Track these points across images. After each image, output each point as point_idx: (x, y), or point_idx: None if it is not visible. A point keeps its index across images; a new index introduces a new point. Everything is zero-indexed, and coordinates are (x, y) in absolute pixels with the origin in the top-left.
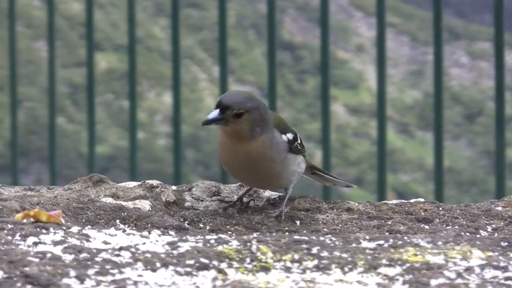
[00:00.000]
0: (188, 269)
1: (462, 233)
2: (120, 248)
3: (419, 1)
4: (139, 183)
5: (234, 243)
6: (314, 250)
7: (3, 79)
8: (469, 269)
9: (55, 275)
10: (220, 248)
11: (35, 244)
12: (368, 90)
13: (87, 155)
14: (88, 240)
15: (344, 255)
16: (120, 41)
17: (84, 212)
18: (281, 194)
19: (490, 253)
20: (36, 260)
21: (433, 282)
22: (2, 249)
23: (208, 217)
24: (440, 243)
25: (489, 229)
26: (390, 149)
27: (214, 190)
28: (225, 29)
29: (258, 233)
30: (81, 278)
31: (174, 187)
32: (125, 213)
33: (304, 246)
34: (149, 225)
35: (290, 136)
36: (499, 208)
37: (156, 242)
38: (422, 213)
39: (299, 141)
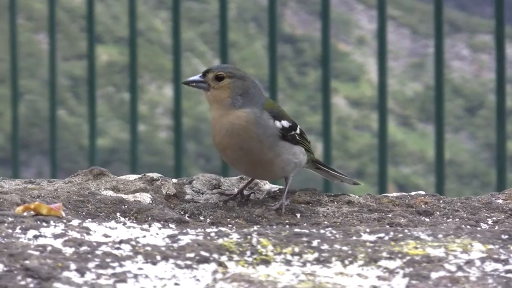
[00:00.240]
0: (189, 262)
1: (463, 226)
2: (121, 241)
3: None
4: (140, 176)
5: (235, 236)
6: (315, 243)
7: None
8: (469, 262)
9: (55, 268)
10: (220, 241)
11: (36, 237)
12: (369, 82)
13: (88, 148)
14: (88, 233)
15: (345, 248)
16: (121, 33)
17: (84, 205)
18: (281, 187)
19: (491, 246)
20: (37, 253)
21: (434, 275)
22: (2, 242)
23: (209, 210)
24: (440, 236)
25: (490, 222)
26: (391, 142)
27: (215, 183)
28: (226, 22)
29: (258, 226)
30: (81, 271)
31: (174, 180)
32: (126, 206)
33: (305, 239)
34: (150, 218)
35: (285, 123)
36: (500, 201)
37: (156, 235)
38: (423, 206)
39: (298, 132)
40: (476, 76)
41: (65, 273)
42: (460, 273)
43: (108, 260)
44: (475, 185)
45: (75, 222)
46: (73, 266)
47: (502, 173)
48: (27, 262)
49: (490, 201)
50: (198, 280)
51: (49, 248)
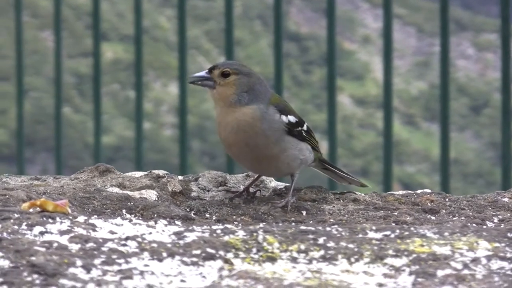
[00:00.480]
0: (195, 259)
1: (469, 224)
2: (127, 238)
3: None
4: (146, 173)
5: (241, 233)
6: (321, 240)
7: (10, 69)
8: (475, 260)
9: (61, 265)
10: (226, 238)
11: (42, 233)
12: (374, 81)
13: (93, 145)
14: (94, 230)
15: (351, 245)
16: (126, 31)
17: (90, 201)
18: (287, 184)
19: (497, 244)
20: (43, 249)
21: (440, 273)
22: (8, 238)
23: (215, 207)
24: (446, 234)
25: (496, 220)
26: (396, 140)
27: (221, 180)
28: (231, 20)
29: (264, 223)
30: (87, 268)
31: (180, 177)
32: (132, 203)
33: (311, 236)
34: (156, 215)
35: (292, 118)
36: (506, 199)
37: (162, 232)
38: (429, 204)
39: (305, 128)
40: (481, 75)
41: (71, 270)
42: (466, 271)
43: (114, 256)
44: (480, 184)
45: (81, 218)
46: (79, 262)
47: (507, 172)
48: (33, 258)
49: (496, 200)
50: (204, 277)
51: (55, 245)
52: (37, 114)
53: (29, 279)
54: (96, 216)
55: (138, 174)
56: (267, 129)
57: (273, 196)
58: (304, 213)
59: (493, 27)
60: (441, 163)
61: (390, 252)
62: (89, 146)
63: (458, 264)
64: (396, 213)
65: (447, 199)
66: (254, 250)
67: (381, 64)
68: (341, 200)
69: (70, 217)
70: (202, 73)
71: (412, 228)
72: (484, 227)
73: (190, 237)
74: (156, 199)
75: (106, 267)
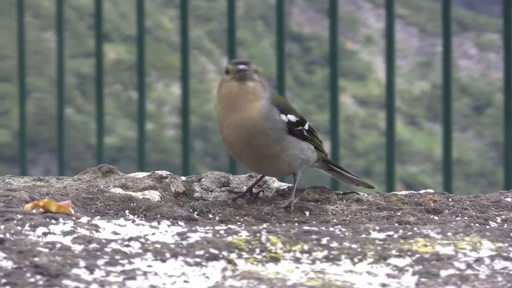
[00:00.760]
0: (198, 260)
1: (472, 224)
2: (130, 239)
3: None
4: (149, 173)
5: (244, 234)
6: (324, 240)
7: (12, 70)
8: (479, 260)
9: (64, 266)
10: (229, 238)
11: (45, 234)
12: (376, 81)
13: (95, 146)
14: (97, 231)
15: (354, 245)
16: (128, 31)
17: (93, 202)
18: (290, 185)
19: (500, 244)
20: (46, 250)
21: (443, 273)
22: (11, 239)
23: (218, 208)
24: (449, 234)
25: (499, 220)
26: (398, 141)
27: (224, 180)
28: (233, 20)
29: (267, 223)
30: (90, 269)
31: (183, 178)
32: (135, 204)
33: (314, 236)
34: (159, 216)
35: (292, 117)
36: (509, 199)
37: (165, 232)
38: (432, 204)
39: (306, 128)
40: (483, 75)
41: (74, 270)
42: (469, 271)
43: (117, 257)
44: (483, 184)
45: (84, 219)
46: (82, 263)
47: (509, 172)
48: (36, 259)
49: (499, 200)
50: (207, 277)
51: (58, 245)
52: (40, 114)
53: (32, 280)
54: (99, 216)
55: (141, 174)
56: (269, 128)
57: (276, 196)
58: (307, 213)
59: (496, 27)
60: (444, 163)
61: (394, 252)
62: (92, 147)
63: (462, 264)
64: (399, 213)
65: (450, 199)
66: (257, 250)
67: (383, 64)
68: (344, 201)
69: (73, 218)
70: (246, 66)
71: (415, 228)
72: (487, 227)
73: (193, 237)
74: (159, 199)
75: (109, 268)
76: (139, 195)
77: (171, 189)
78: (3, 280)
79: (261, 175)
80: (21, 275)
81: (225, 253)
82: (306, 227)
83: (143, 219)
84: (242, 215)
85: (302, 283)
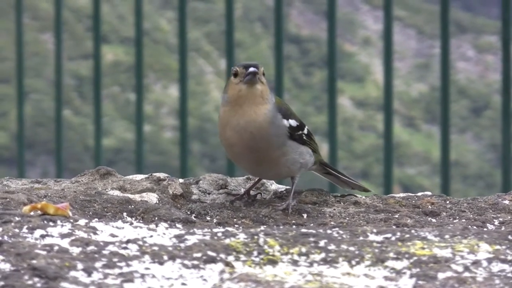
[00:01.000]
0: (195, 262)
1: (469, 226)
2: (128, 241)
3: None
4: (146, 176)
5: (241, 236)
6: (322, 243)
7: (10, 71)
8: (476, 263)
9: (62, 268)
10: (227, 241)
11: (43, 236)
12: (374, 83)
13: (93, 148)
14: (95, 233)
15: (352, 248)
16: (126, 33)
17: (91, 204)
18: (288, 187)
19: (498, 247)
20: (44, 252)
21: (440, 275)
22: (9, 241)
23: (215, 210)
24: (447, 236)
25: (496, 222)
26: (396, 143)
27: (221, 183)
28: (232, 22)
29: (265, 226)
30: (88, 271)
31: (181, 180)
32: (132, 206)
33: (312, 239)
34: (156, 218)
35: (293, 122)
36: (506, 202)
37: (163, 235)
38: (429, 207)
39: (305, 132)
40: (481, 77)
41: (72, 273)
42: (467, 274)
43: (115, 259)
44: (481, 185)
45: (82, 221)
46: (80, 265)
47: (507, 174)
48: (34, 261)
49: (496, 202)
50: (205, 280)
51: (56, 248)
52: (38, 116)
53: (30, 282)
54: (97, 219)
55: (138, 177)
56: (273, 134)
57: (274, 199)
58: (305, 216)
59: (494, 29)
60: (442, 165)
61: (391, 254)
62: (90, 149)
63: (459, 267)
64: (396, 216)
65: (447, 202)
66: (255, 253)
67: (382, 66)
68: (342, 203)
69: (71, 220)
70: (255, 69)
71: (413, 231)
72: (485, 229)
73: (191, 240)
74: (157, 202)
75: (107, 270)
76: (137, 197)
77: (169, 191)
78: (1, 283)
79: (258, 178)
80: (19, 278)
81: (222, 256)
82: (303, 230)
83: (141, 221)
84: (239, 218)
85: (300, 286)
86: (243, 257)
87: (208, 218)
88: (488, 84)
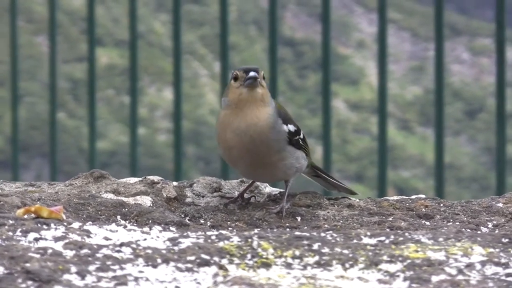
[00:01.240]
0: (189, 265)
1: (463, 229)
2: (121, 244)
3: None
4: (140, 179)
5: (235, 239)
6: (315, 246)
7: (4, 74)
8: (470, 266)
9: (56, 271)
10: (221, 244)
11: (36, 240)
12: (369, 86)
13: (87, 151)
14: (89, 236)
15: (345, 251)
16: (121, 36)
17: (85, 208)
18: (282, 190)
19: (491, 250)
20: (37, 256)
21: (434, 278)
22: (3, 244)
23: (209, 213)
24: (441, 239)
25: (490, 225)
26: (391, 145)
27: (215, 186)
28: (226, 25)
29: (259, 229)
30: (82, 274)
31: (175, 183)
32: (126, 209)
33: (305, 242)
34: (150, 221)
35: (291, 127)
36: (500, 205)
37: (157, 238)
38: (423, 210)
39: (301, 136)
40: (476, 79)
41: (66, 276)
42: (460, 277)
43: (108, 263)
44: (475, 188)
45: (76, 225)
46: (73, 269)
47: (501, 177)
48: (27, 264)
49: (490, 205)
50: (199, 283)
51: (49, 251)
52: (32, 119)
53: (23, 285)
54: (90, 222)
55: (132, 180)
56: (273, 139)
57: (267, 202)
58: (298, 218)
59: (488, 32)
60: (436, 168)
61: (385, 257)
62: (84, 152)
63: (453, 270)
64: (390, 219)
65: (441, 205)
66: (249, 256)
67: (376, 69)
68: (336, 206)
69: (65, 224)
70: (255, 73)
71: (406, 234)
72: (479, 232)
73: (185, 243)
74: (151, 205)
75: (101, 274)
76: (130, 200)
77: (162, 194)
78: None
79: (252, 181)
80: (13, 281)
81: (216, 259)
82: (297, 233)
83: (135, 224)
84: (233, 221)
85: None
86: (236, 260)
87: (202, 221)
88: (483, 87)
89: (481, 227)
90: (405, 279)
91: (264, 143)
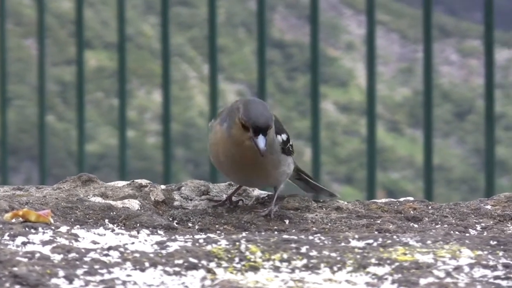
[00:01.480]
0: (177, 269)
1: (451, 232)
2: (109, 248)
3: None
4: (128, 182)
5: (223, 243)
6: (303, 249)
7: None
8: (458, 268)
9: (44, 275)
10: (209, 247)
11: (24, 244)
12: (358, 87)
13: (77, 154)
14: (77, 240)
15: (333, 254)
16: (110, 39)
17: (73, 211)
18: (270, 193)
19: (479, 252)
20: (25, 260)
21: (422, 281)
22: None
23: (197, 217)
24: (429, 242)
25: (478, 228)
26: (380, 147)
27: (203, 189)
28: (215, 27)
29: (247, 232)
30: (69, 278)
31: (163, 186)
32: (114, 213)
33: (293, 245)
34: (138, 225)
35: (284, 137)
36: (489, 207)
37: (145, 241)
38: (411, 212)
39: (291, 143)
40: (465, 81)
41: (54, 280)
42: (448, 279)
43: (96, 266)
44: (464, 190)
45: (64, 228)
46: (61, 273)
47: (490, 179)
48: (15, 269)
49: (478, 207)
50: (186, 286)
51: (37, 255)
52: (21, 122)
53: None
54: (78, 226)
55: (120, 183)
56: (270, 158)
57: (256, 205)
58: (287, 221)
59: (477, 33)
60: (425, 170)
61: (373, 260)
62: (73, 154)
63: (441, 272)
64: (379, 221)
65: (430, 207)
66: (237, 259)
67: (365, 71)
68: (324, 209)
69: (53, 227)
70: (265, 141)
71: (394, 237)
72: (467, 235)
73: (173, 246)
74: (139, 208)
75: (89, 278)
76: (118, 204)
77: (150, 197)
78: None
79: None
80: (0, 285)
81: (204, 262)
82: (285, 236)
83: (123, 228)
84: (221, 224)
85: None
86: (224, 264)
87: (190, 225)
88: (472, 88)
89: (470, 230)
90: (393, 282)
91: (262, 163)
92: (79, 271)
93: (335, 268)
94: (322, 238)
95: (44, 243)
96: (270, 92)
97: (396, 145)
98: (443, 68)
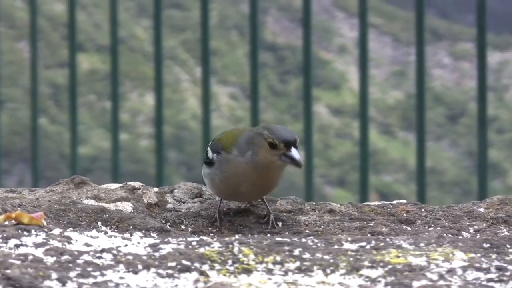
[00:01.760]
0: (170, 271)
1: (445, 234)
2: (102, 250)
3: (402, 2)
4: (121, 185)
5: (216, 245)
6: (296, 252)
7: None
8: (451, 271)
9: (36, 278)
10: (202, 250)
11: (17, 246)
12: (350, 90)
13: (69, 156)
14: (69, 242)
15: (326, 256)
16: (102, 41)
17: (66, 214)
18: None
19: (473, 255)
20: (18, 262)
21: (415, 284)
22: None
23: (190, 219)
24: (422, 244)
25: (472, 230)
26: (373, 150)
27: (196, 192)
28: (207, 30)
29: (240, 235)
30: (62, 281)
31: (156, 189)
32: (107, 215)
33: (286, 248)
34: (131, 227)
35: None
36: (482, 210)
37: (138, 244)
38: (404, 215)
39: None
40: (457, 84)
41: (47, 282)
42: (441, 282)
43: (89, 269)
44: (457, 192)
45: (57, 231)
46: (54, 275)
47: (483, 181)
48: (8, 271)
49: (471, 210)
50: None
51: (30, 257)
52: (14, 125)
53: None
54: (71, 228)
55: (113, 186)
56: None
57: (248, 207)
58: (279, 224)
59: (470, 36)
60: (417, 173)
61: (366, 263)
62: (66, 157)
63: (434, 275)
64: (371, 224)
65: (423, 210)
66: (230, 262)
67: (358, 74)
68: (317, 211)
69: (46, 230)
70: (301, 162)
71: (387, 239)
72: (460, 237)
73: (166, 249)
74: (132, 211)
75: (82, 280)
76: (111, 206)
77: (143, 200)
78: None
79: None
80: None
81: (197, 265)
82: (278, 238)
83: (116, 230)
84: (214, 226)
85: None
86: (217, 266)
87: (183, 227)
88: (464, 91)
89: (463, 232)
90: (386, 284)
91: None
92: (72, 274)
93: (328, 271)
94: (315, 240)
95: (37, 245)
96: (263, 95)
97: (388, 148)
98: (436, 71)
